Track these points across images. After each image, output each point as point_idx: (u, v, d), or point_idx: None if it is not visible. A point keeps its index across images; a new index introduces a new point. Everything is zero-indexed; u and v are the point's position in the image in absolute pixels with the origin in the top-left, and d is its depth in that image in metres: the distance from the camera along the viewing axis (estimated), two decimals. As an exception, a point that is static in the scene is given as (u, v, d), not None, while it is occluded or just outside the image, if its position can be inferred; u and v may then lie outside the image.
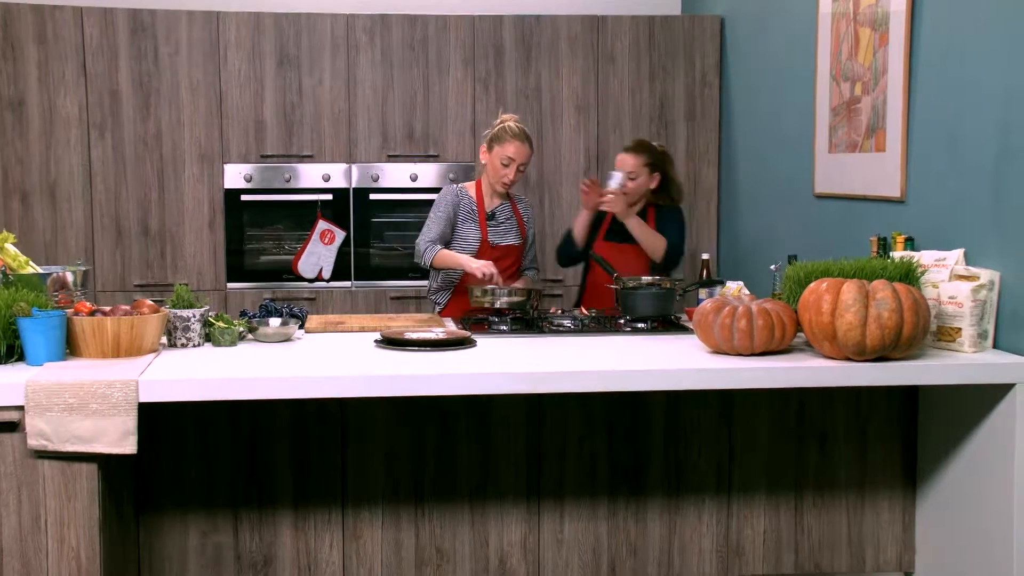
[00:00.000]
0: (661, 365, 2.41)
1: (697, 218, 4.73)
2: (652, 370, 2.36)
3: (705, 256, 3.48)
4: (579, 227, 3.56)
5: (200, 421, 2.58)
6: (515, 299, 3.00)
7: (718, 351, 2.51)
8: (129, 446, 2.12)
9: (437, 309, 3.47)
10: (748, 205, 4.44)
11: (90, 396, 2.10)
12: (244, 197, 4.44)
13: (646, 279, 3.17)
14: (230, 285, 4.48)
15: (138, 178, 4.37)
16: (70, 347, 2.38)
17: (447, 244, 3.38)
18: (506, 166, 3.31)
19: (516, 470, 2.69)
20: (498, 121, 3.41)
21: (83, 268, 2.64)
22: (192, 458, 2.58)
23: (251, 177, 4.45)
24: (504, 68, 4.53)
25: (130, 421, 2.12)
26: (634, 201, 3.52)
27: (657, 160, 3.55)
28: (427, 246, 3.35)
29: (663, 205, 3.60)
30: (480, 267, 3.19)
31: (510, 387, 2.30)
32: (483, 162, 3.39)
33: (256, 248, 4.51)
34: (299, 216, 4.52)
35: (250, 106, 4.40)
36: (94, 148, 4.32)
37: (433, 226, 3.40)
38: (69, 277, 2.56)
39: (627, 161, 3.52)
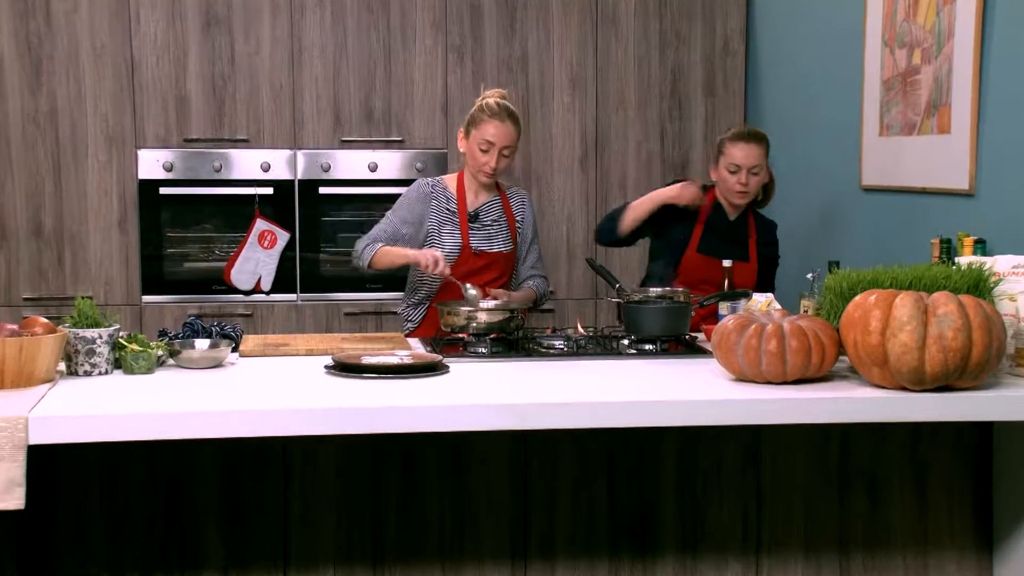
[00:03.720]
0: (673, 395, 2.41)
1: (718, 216, 4.76)
2: (662, 401, 2.36)
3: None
4: (635, 212, 3.52)
5: (107, 467, 2.57)
6: (494, 319, 2.96)
7: (742, 378, 2.52)
8: (15, 499, 2.10)
9: (408, 328, 3.48)
10: (779, 200, 4.47)
11: (-30, 436, 2.09)
12: (163, 190, 4.43)
13: (655, 291, 3.18)
14: (146, 298, 4.47)
15: (27, 166, 4.35)
16: (-56, 375, 2.36)
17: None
18: (485, 152, 3.31)
19: (497, 523, 2.69)
20: (479, 99, 3.42)
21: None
22: (97, 513, 2.56)
23: (172, 165, 4.44)
24: (483, 33, 4.55)
25: (16, 468, 2.10)
26: (751, 201, 3.54)
27: (769, 152, 3.55)
28: (366, 244, 3.35)
29: (760, 212, 3.61)
30: (420, 255, 3.20)
31: (490, 422, 2.30)
32: (462, 151, 3.39)
33: (178, 253, 4.50)
34: (232, 214, 4.52)
35: (170, 78, 4.40)
36: (-25, 129, 4.31)
37: (382, 223, 3.41)
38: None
39: (751, 154, 3.46)
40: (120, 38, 4.35)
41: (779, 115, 4.47)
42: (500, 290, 3.34)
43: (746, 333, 2.48)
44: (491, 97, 3.37)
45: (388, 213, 3.44)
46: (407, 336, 3.30)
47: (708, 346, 2.90)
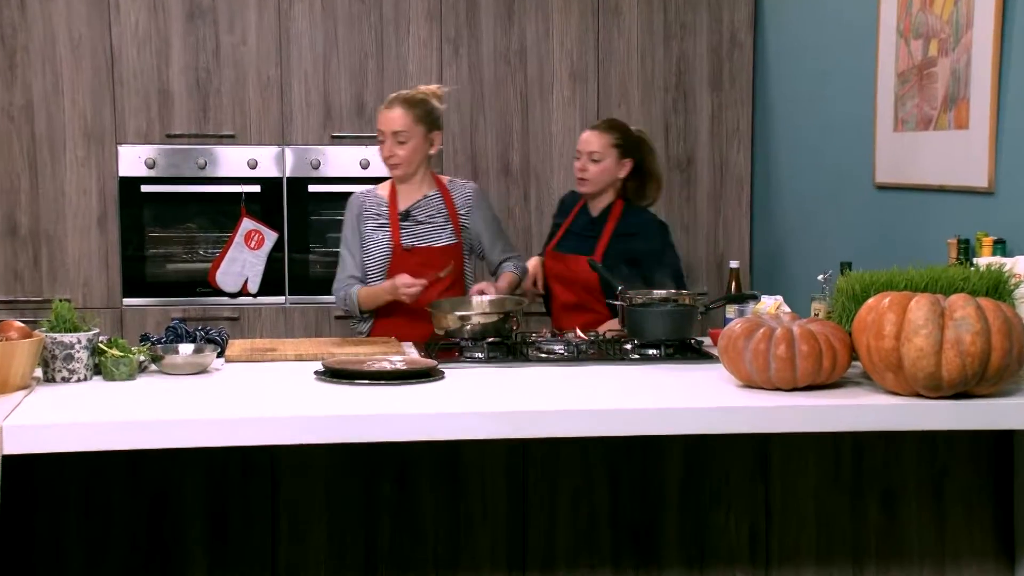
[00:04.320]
0: (678, 402, 2.42)
1: (724, 216, 4.77)
2: (666, 408, 2.37)
3: (734, 264, 3.51)
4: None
5: (87, 479, 2.56)
6: (489, 321, 2.99)
7: (750, 384, 2.52)
8: (-8, 511, 2.11)
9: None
10: (789, 198, 4.48)
11: (-58, 446, 2.08)
12: (145, 188, 4.43)
13: (659, 293, 3.18)
14: (127, 301, 4.47)
15: (1, 162, 4.35)
16: (-85, 382, 2.36)
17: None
18: (382, 142, 3.39)
19: (494, 534, 2.69)
20: None
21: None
22: (75, 528, 2.56)
23: (154, 162, 4.44)
24: (479, 24, 4.55)
25: (-8, 478, 2.10)
26: (599, 189, 3.56)
27: (629, 144, 3.60)
28: (343, 290, 3.42)
29: (636, 206, 3.64)
30: (392, 288, 3.24)
31: (487, 430, 2.30)
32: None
33: (161, 254, 4.50)
34: (217, 213, 4.52)
35: (152, 70, 4.40)
36: (-52, 124, 4.31)
37: (342, 260, 3.47)
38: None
39: (590, 141, 3.57)
40: (99, 28, 4.35)
41: (789, 109, 4.47)
42: (484, 283, 3.36)
43: (754, 337, 2.48)
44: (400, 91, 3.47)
45: (341, 246, 3.48)
46: None
47: (714, 351, 2.90)
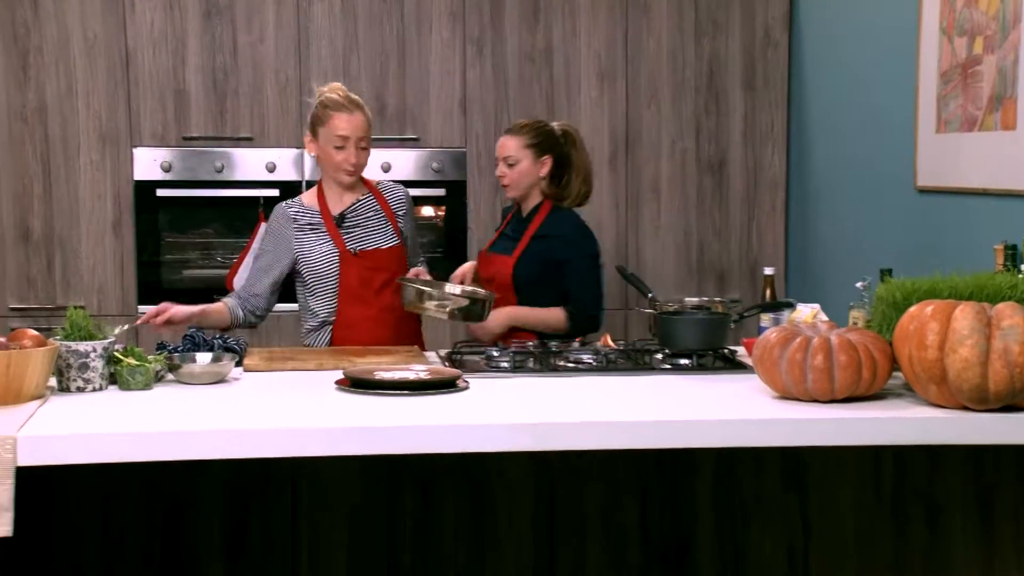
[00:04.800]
0: (710, 414, 2.41)
1: (758, 220, 4.76)
2: (699, 420, 2.36)
3: (768, 271, 3.50)
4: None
5: (102, 491, 2.58)
6: (461, 304, 3.14)
7: (786, 396, 2.51)
8: (2, 526, 2.11)
9: None
10: (826, 203, 4.46)
11: (-46, 457, 2.10)
12: (161, 192, 4.46)
13: (691, 301, 3.17)
14: (142, 308, 4.49)
15: (14, 165, 4.39)
16: (-75, 392, 2.38)
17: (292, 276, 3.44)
18: (341, 148, 3.32)
19: (520, 551, 2.69)
20: (316, 98, 3.40)
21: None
22: (91, 541, 2.58)
23: (170, 165, 4.47)
24: (503, 24, 4.56)
25: (4, 492, 2.10)
26: (523, 192, 3.59)
27: (545, 142, 3.60)
28: (240, 304, 3.43)
29: (564, 209, 3.64)
30: (149, 316, 3.22)
31: (513, 442, 2.30)
32: (312, 155, 3.42)
33: (177, 259, 4.53)
34: (234, 217, 4.54)
35: (168, 71, 4.43)
36: (-42, 126, 4.35)
37: (250, 271, 3.49)
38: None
39: (504, 145, 3.61)
40: (114, 28, 4.39)
41: (825, 110, 4.45)
42: (418, 268, 3.40)
43: (790, 347, 2.47)
44: (331, 92, 3.38)
45: (256, 258, 3.46)
46: None
47: (748, 361, 2.89)
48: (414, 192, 4.56)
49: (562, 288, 3.49)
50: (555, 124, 3.69)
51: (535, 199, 3.61)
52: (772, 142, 4.73)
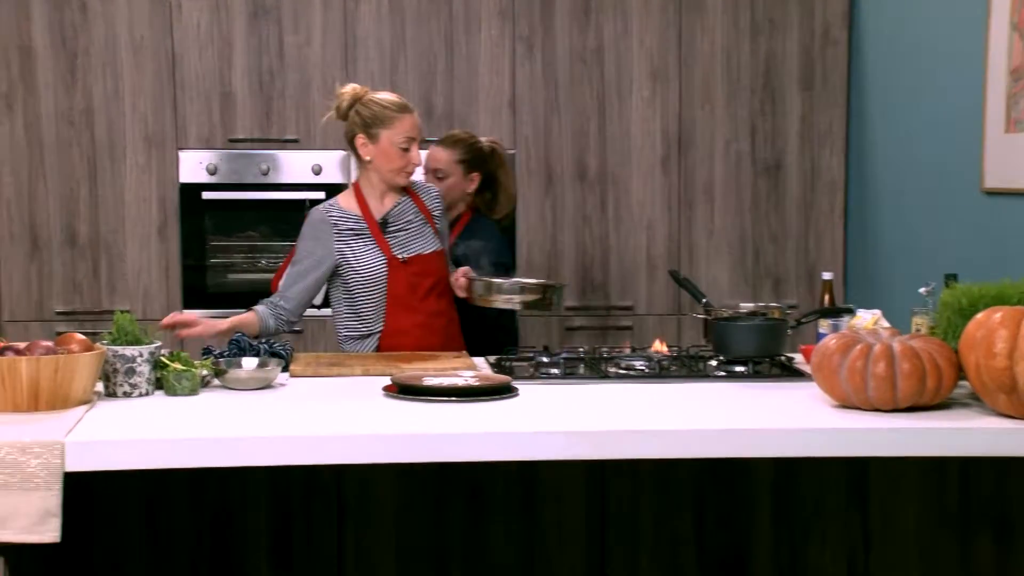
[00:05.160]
0: (767, 422, 2.39)
1: (816, 224, 4.72)
2: (755, 429, 2.34)
3: (827, 276, 3.47)
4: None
5: (148, 497, 2.61)
6: (528, 297, 3.22)
7: (846, 404, 2.49)
8: (50, 532, 2.14)
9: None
10: (888, 206, 4.42)
11: (-1, 463, 2.13)
12: (206, 195, 4.51)
13: (746, 306, 3.16)
14: (187, 312, 4.54)
15: (61, 169, 4.46)
16: (-28, 396, 2.42)
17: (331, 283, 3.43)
18: (407, 149, 3.34)
19: (572, 563, 2.68)
20: (347, 96, 3.38)
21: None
22: (136, 547, 2.61)
23: (216, 168, 4.51)
24: (554, 22, 4.57)
25: (52, 498, 2.13)
26: (449, 204, 3.64)
27: (475, 159, 3.72)
28: (273, 313, 3.40)
29: (484, 217, 3.73)
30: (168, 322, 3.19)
31: (565, 451, 2.30)
32: (367, 158, 3.36)
33: (222, 263, 4.57)
34: (280, 220, 4.58)
35: (214, 73, 4.48)
36: None
37: (290, 277, 3.45)
38: (-27, 302, 2.61)
39: (436, 157, 3.70)
40: (160, 30, 4.44)
41: (886, 110, 4.41)
42: (465, 268, 3.42)
43: (850, 354, 2.45)
44: (376, 94, 3.40)
45: (295, 264, 3.43)
46: None
47: (806, 368, 2.87)
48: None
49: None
50: (484, 140, 3.79)
51: (457, 211, 3.72)
52: (830, 143, 4.69)
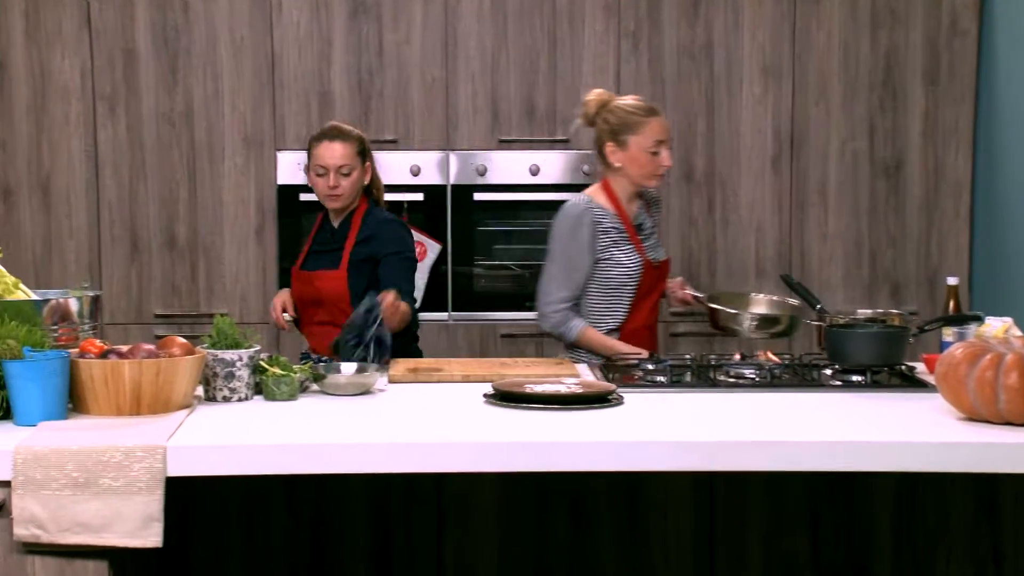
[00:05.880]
0: (888, 435, 2.35)
1: (939, 227, 4.62)
2: (875, 442, 2.31)
3: (952, 281, 3.39)
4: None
5: (247, 502, 2.66)
6: (775, 329, 3.31)
7: (974, 417, 2.44)
8: (152, 536, 2.19)
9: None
10: (1018, 207, 4.31)
11: (101, 468, 2.19)
12: (304, 196, 4.57)
13: (864, 313, 3.11)
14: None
15: (161, 170, 4.57)
16: (73, 401, 2.48)
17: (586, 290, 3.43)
18: (656, 154, 3.39)
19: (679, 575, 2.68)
20: (592, 103, 3.42)
21: (92, 293, 2.76)
22: (235, 553, 2.66)
23: (313, 170, 4.58)
24: (661, 17, 4.55)
25: (154, 502, 2.19)
26: (351, 203, 3.55)
27: (365, 146, 3.61)
28: (560, 314, 3.39)
29: (376, 207, 3.62)
30: (629, 348, 3.32)
31: (671, 462, 2.29)
32: (617, 165, 3.40)
33: (319, 266, 4.63)
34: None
35: (313, 73, 4.55)
36: (101, 129, 4.55)
37: (561, 276, 3.39)
38: (73, 305, 2.68)
39: (339, 154, 3.50)
40: (261, 29, 4.53)
41: (1018, 105, 4.30)
42: (679, 279, 3.56)
43: (979, 364, 2.40)
44: (621, 99, 3.44)
45: (557, 254, 3.41)
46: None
47: (929, 379, 2.82)
48: (563, 196, 4.58)
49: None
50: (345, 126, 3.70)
51: (354, 204, 3.60)
52: (956, 141, 4.58)
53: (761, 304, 3.48)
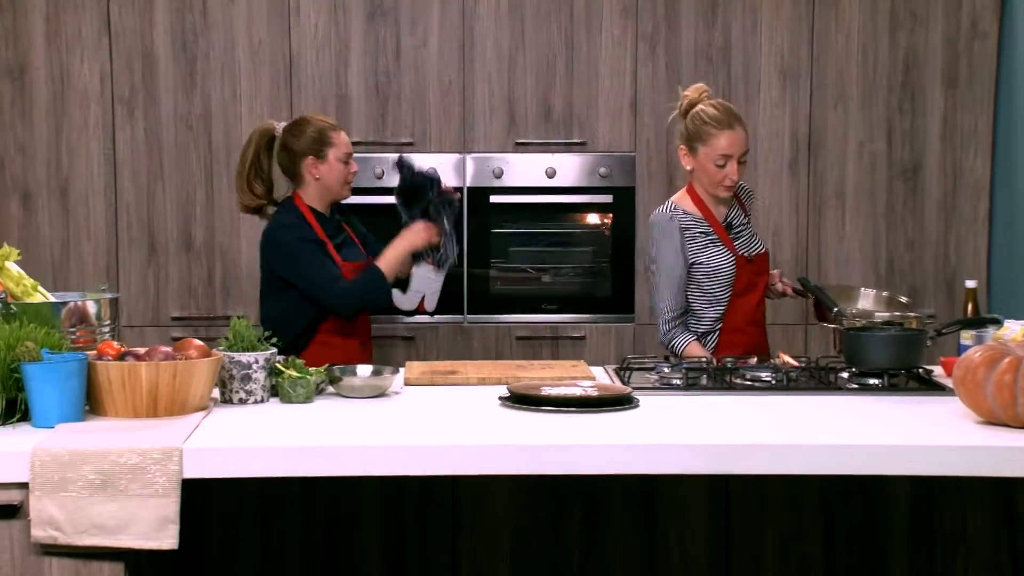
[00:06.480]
0: (905, 438, 2.35)
1: (957, 230, 4.60)
2: (891, 445, 2.30)
3: (971, 284, 3.39)
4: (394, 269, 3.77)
5: (262, 504, 2.67)
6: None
7: (992, 421, 2.43)
8: (168, 538, 2.21)
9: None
10: (1036, 209, 4.30)
11: (118, 470, 2.20)
12: (320, 199, 4.58)
13: (881, 315, 3.10)
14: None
15: (179, 173, 4.59)
16: (91, 403, 2.50)
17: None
18: (722, 167, 3.38)
19: (694, 584, 2.67)
20: (685, 101, 3.43)
21: (110, 295, 2.78)
22: (250, 554, 2.67)
23: (330, 172, 4.59)
24: (679, 20, 4.54)
25: (171, 504, 2.20)
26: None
27: None
28: (673, 331, 3.41)
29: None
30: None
31: (687, 465, 2.29)
32: (688, 168, 3.45)
33: (335, 269, 4.64)
34: (395, 226, 4.63)
35: (330, 75, 4.57)
36: (120, 132, 4.57)
37: (666, 285, 3.41)
38: (91, 307, 2.70)
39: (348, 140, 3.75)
40: (279, 32, 4.55)
41: (1035, 108, 4.29)
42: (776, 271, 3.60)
43: (997, 368, 2.39)
44: (703, 103, 3.41)
45: (660, 264, 3.42)
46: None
47: (946, 382, 2.81)
48: (580, 199, 4.60)
49: None
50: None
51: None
52: (975, 144, 4.57)
53: (869, 299, 3.45)
